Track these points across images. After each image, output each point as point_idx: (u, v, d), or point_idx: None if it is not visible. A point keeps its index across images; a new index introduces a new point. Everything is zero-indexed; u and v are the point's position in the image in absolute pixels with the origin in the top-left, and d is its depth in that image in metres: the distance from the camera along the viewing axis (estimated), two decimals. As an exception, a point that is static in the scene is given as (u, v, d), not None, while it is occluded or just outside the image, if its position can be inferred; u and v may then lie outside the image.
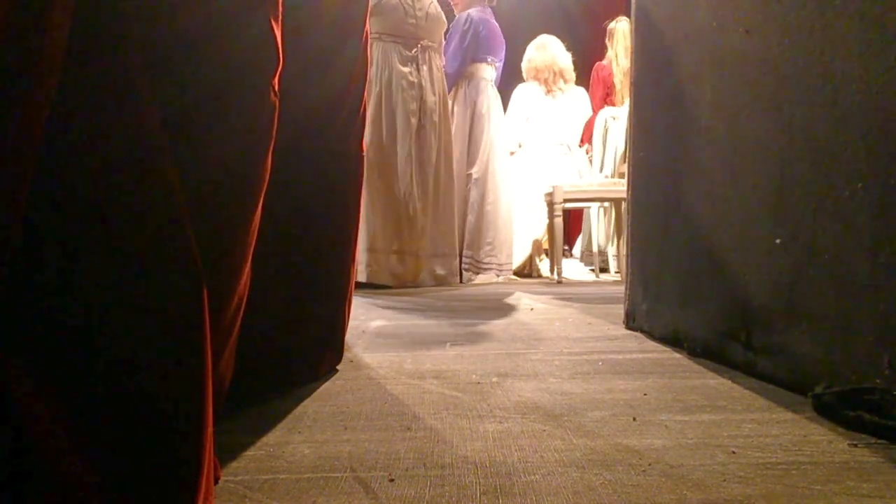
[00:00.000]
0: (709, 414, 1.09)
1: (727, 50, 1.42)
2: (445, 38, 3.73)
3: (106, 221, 0.59)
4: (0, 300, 0.53)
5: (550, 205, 3.66)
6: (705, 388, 1.26)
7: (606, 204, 4.16)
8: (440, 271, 3.47)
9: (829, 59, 1.13)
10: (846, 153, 1.09)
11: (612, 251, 4.17)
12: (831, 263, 1.12)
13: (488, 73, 3.93)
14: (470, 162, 3.83)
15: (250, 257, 0.91)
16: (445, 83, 3.60)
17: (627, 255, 2.03)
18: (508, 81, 4.78)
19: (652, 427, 1.02)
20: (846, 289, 1.09)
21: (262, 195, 0.89)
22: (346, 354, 1.53)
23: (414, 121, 3.37)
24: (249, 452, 0.92)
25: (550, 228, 3.74)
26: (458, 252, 3.68)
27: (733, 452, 0.91)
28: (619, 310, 2.09)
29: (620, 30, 4.57)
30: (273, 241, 1.11)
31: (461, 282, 3.69)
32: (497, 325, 2.06)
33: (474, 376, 1.36)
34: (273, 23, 0.85)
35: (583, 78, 4.73)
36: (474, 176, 3.80)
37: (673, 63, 1.69)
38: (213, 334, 0.72)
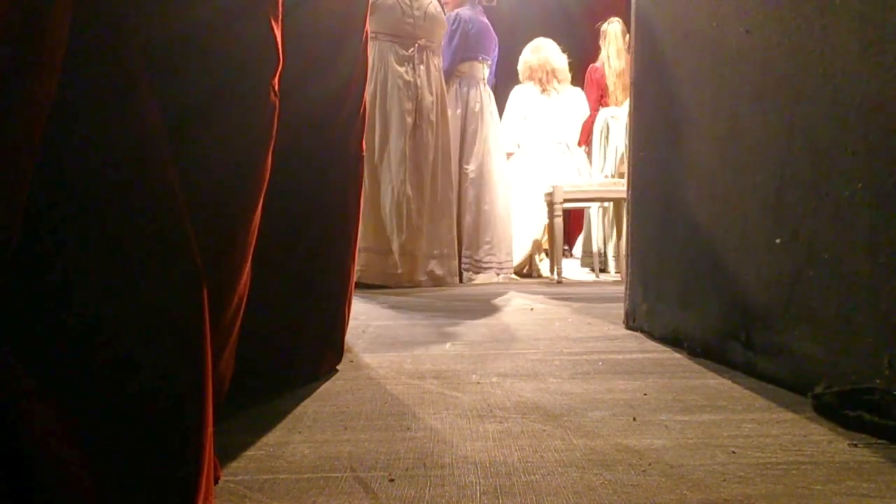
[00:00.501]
0: (709, 414, 1.09)
1: (727, 50, 1.42)
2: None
3: (106, 221, 0.59)
4: (0, 300, 0.53)
5: (550, 205, 3.66)
6: (705, 388, 1.26)
7: (606, 204, 4.16)
8: (438, 271, 3.46)
9: (829, 59, 1.13)
10: (846, 153, 1.09)
11: (611, 251, 4.17)
12: (831, 263, 1.12)
13: (480, 71, 3.93)
14: (465, 160, 3.83)
15: (250, 257, 0.91)
16: (444, 83, 3.61)
17: (627, 255, 2.03)
18: (508, 82, 4.78)
19: (652, 427, 1.02)
20: (846, 289, 1.09)
21: (262, 195, 0.89)
22: (346, 354, 1.53)
23: (409, 120, 3.36)
24: (249, 452, 0.92)
25: (550, 228, 3.74)
26: (457, 252, 3.68)
27: (733, 452, 0.91)
28: (619, 310, 2.09)
29: (612, 31, 4.58)
30: (273, 241, 1.11)
31: (461, 282, 3.68)
32: (497, 325, 2.06)
33: (474, 376, 1.36)
34: (273, 23, 0.85)
35: (581, 79, 4.73)
36: (471, 175, 3.80)
37: (673, 63, 1.69)
38: (213, 334, 0.72)
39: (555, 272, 3.73)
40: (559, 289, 3.34)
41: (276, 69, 0.87)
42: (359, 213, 1.46)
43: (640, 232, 1.91)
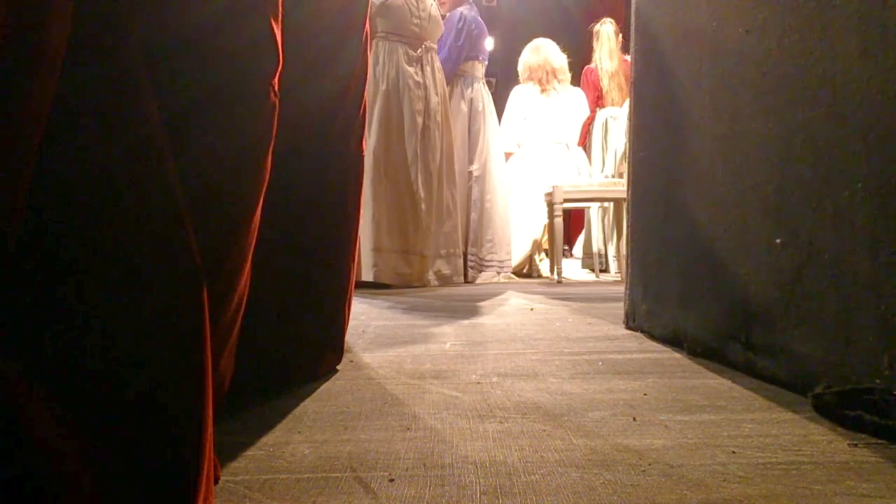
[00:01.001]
0: (709, 414, 1.09)
1: (727, 50, 1.42)
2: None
3: (106, 221, 0.59)
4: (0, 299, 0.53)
5: (550, 205, 3.66)
6: (705, 388, 1.26)
7: (606, 204, 4.16)
8: (445, 270, 3.48)
9: (828, 59, 1.13)
10: (846, 153, 1.09)
11: (612, 251, 4.17)
12: (831, 263, 1.12)
13: (479, 70, 3.96)
14: (470, 159, 3.85)
15: (250, 257, 0.91)
16: (445, 84, 3.62)
17: (627, 255, 2.03)
18: (508, 82, 4.78)
19: (652, 427, 1.02)
20: (846, 289, 1.09)
21: (262, 195, 0.89)
22: (346, 354, 1.53)
23: (420, 120, 3.38)
24: (249, 452, 0.92)
25: (550, 228, 3.75)
26: (462, 251, 3.70)
27: (733, 452, 0.91)
28: (619, 310, 2.09)
29: (605, 32, 4.58)
30: (273, 241, 1.11)
31: (466, 280, 3.69)
32: (497, 325, 2.06)
33: (474, 376, 1.36)
34: (273, 23, 0.85)
35: (580, 79, 4.73)
36: (475, 174, 3.82)
37: (673, 63, 1.69)
38: (213, 334, 0.72)
39: (555, 272, 3.73)
40: (559, 289, 3.34)
41: (276, 69, 0.87)
42: (359, 212, 1.46)
43: (640, 232, 1.91)
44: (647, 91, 1.86)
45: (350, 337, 1.69)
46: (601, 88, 4.52)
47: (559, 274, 3.71)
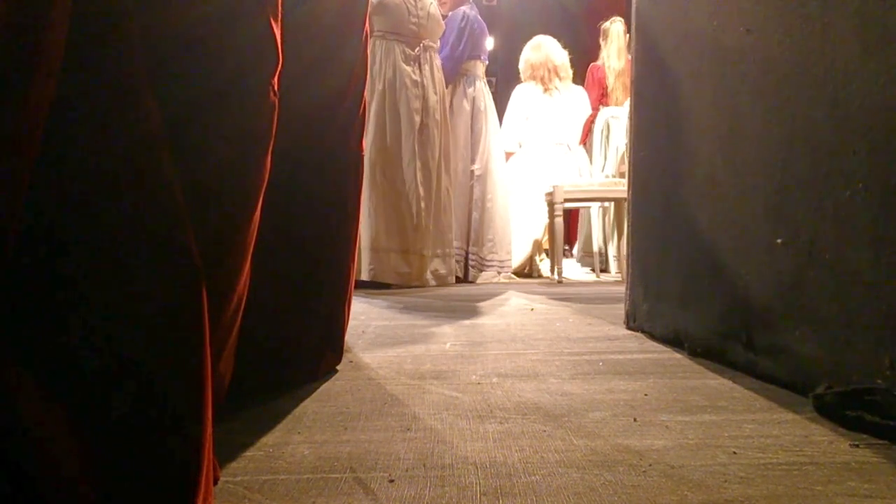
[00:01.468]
0: (709, 414, 1.09)
1: (727, 49, 1.42)
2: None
3: (105, 221, 0.59)
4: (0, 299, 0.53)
5: (551, 205, 3.66)
6: (706, 388, 1.26)
7: (607, 204, 4.16)
8: (442, 270, 3.48)
9: (829, 59, 1.13)
10: (846, 153, 1.09)
11: (612, 251, 4.16)
12: (832, 263, 1.12)
13: (482, 70, 3.96)
14: (472, 158, 3.85)
15: (250, 257, 0.91)
16: (444, 83, 3.62)
17: (628, 255, 2.03)
18: (508, 82, 4.78)
19: (652, 427, 1.02)
20: (847, 289, 1.09)
21: (262, 195, 0.88)
22: (346, 354, 1.53)
23: (417, 119, 3.38)
24: (249, 452, 0.92)
25: (551, 228, 3.74)
26: (464, 250, 3.70)
27: (734, 453, 0.91)
28: (620, 310, 2.09)
29: (614, 31, 4.57)
30: (273, 241, 1.11)
31: (468, 280, 3.70)
32: (497, 325, 2.06)
33: (474, 376, 1.36)
34: (273, 23, 0.85)
35: (582, 77, 4.73)
36: (477, 173, 3.82)
37: (673, 63, 1.69)
38: (213, 334, 0.72)
39: (555, 272, 3.73)
40: (559, 289, 3.34)
41: (276, 69, 0.87)
42: (358, 212, 1.46)
43: (641, 232, 1.91)
44: (647, 91, 1.86)
45: (350, 337, 1.69)
46: (606, 86, 4.51)
47: (559, 274, 3.71)
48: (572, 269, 4.67)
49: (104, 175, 0.60)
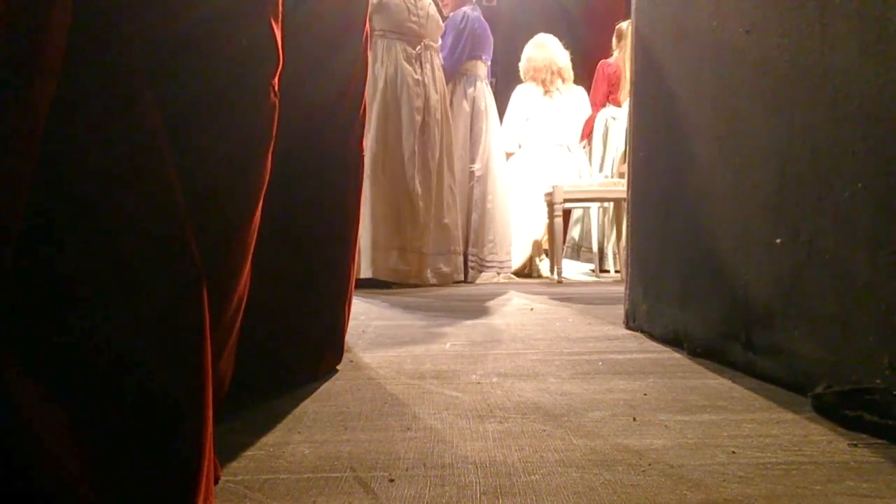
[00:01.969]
0: (709, 414, 1.09)
1: (727, 50, 1.42)
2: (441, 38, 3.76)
3: (106, 221, 0.59)
4: (0, 301, 0.53)
5: (550, 205, 3.66)
6: (705, 388, 1.26)
7: (606, 204, 4.16)
8: (445, 269, 3.48)
9: (828, 60, 1.13)
10: (846, 153, 1.09)
11: (611, 249, 4.16)
12: (831, 263, 1.12)
13: (482, 70, 3.95)
14: (472, 159, 3.85)
15: (250, 257, 0.91)
16: (444, 82, 3.62)
17: (627, 255, 2.03)
18: (509, 82, 4.77)
19: (652, 427, 1.02)
20: (846, 289, 1.09)
21: (262, 195, 0.89)
22: (346, 354, 1.53)
23: (418, 118, 3.38)
24: (249, 452, 0.92)
25: (550, 228, 3.74)
26: (463, 251, 3.70)
27: (733, 452, 0.91)
28: (619, 310, 2.09)
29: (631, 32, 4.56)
30: (273, 241, 1.11)
31: (466, 280, 3.70)
32: (497, 325, 2.06)
33: (474, 376, 1.36)
34: (273, 23, 0.85)
35: (582, 77, 4.72)
36: (477, 173, 3.82)
37: (673, 63, 1.69)
38: (213, 334, 0.72)
39: (555, 272, 3.73)
40: (559, 289, 3.34)
41: (276, 69, 0.87)
42: (358, 212, 1.46)
43: (640, 232, 1.91)
44: (647, 91, 1.86)
45: (350, 337, 1.69)
46: (615, 84, 4.49)
47: (559, 274, 3.71)
48: (572, 268, 4.67)
49: (104, 175, 0.60)
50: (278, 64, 0.87)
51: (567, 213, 5.05)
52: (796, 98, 1.21)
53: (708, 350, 1.50)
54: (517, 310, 2.46)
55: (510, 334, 1.89)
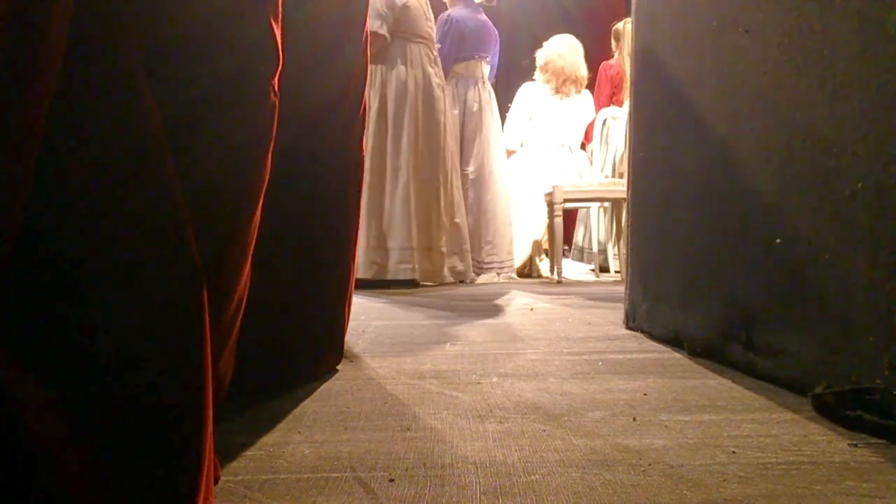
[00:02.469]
0: (709, 414, 1.09)
1: (727, 50, 1.42)
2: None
3: (105, 221, 0.59)
4: (1, 300, 0.53)
5: (550, 205, 3.66)
6: (705, 388, 1.26)
7: (606, 204, 4.16)
8: (460, 267, 3.54)
9: (828, 60, 1.13)
10: (846, 153, 1.09)
11: (612, 250, 4.16)
12: (831, 263, 1.12)
13: (478, 70, 3.90)
14: (465, 161, 3.84)
15: (250, 257, 0.91)
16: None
17: (627, 256, 2.03)
18: (509, 81, 4.76)
19: (652, 427, 1.02)
20: (846, 289, 1.09)
21: (262, 195, 0.89)
22: (346, 354, 1.53)
23: (441, 119, 3.46)
24: (249, 452, 0.92)
25: (550, 228, 3.74)
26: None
27: (733, 452, 0.91)
28: (619, 310, 2.09)
29: (629, 31, 4.55)
30: (273, 242, 1.11)
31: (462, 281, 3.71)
32: (497, 325, 2.06)
33: (474, 376, 1.36)
34: (273, 23, 0.85)
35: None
36: (470, 176, 3.81)
37: (673, 63, 1.69)
38: (213, 334, 0.72)
39: (555, 272, 3.73)
40: (559, 289, 3.34)
41: (276, 69, 0.87)
42: (358, 213, 1.46)
43: (640, 232, 1.91)
44: (647, 91, 1.86)
45: (350, 337, 1.69)
46: (618, 85, 4.49)
47: (559, 274, 3.71)
48: (572, 268, 4.67)
49: (104, 175, 0.60)
50: (278, 64, 0.87)
51: (572, 216, 5.06)
52: (796, 98, 1.21)
53: (708, 350, 1.50)
54: (517, 310, 2.46)
55: (510, 334, 1.89)
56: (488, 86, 3.97)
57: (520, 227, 4.09)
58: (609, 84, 4.54)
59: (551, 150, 4.31)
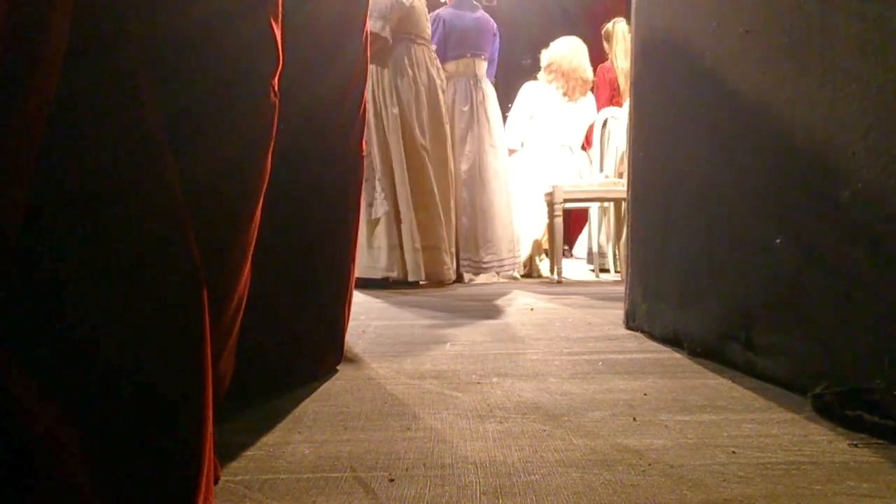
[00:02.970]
0: (709, 414, 1.09)
1: (727, 50, 1.42)
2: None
3: (106, 221, 0.59)
4: (1, 300, 0.53)
5: (550, 205, 3.66)
6: (705, 388, 1.26)
7: (606, 204, 4.16)
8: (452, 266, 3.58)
9: (828, 60, 1.13)
10: (846, 153, 1.09)
11: (611, 249, 4.16)
12: (831, 263, 1.12)
13: (472, 68, 3.84)
14: (456, 160, 3.82)
15: (250, 257, 0.91)
16: None
17: (627, 255, 2.03)
18: (508, 81, 4.75)
19: (652, 427, 1.02)
20: (846, 289, 1.09)
21: (262, 195, 0.89)
22: (346, 354, 1.53)
23: (445, 121, 3.50)
24: (249, 452, 0.92)
25: (550, 228, 3.74)
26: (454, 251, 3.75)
27: (733, 452, 0.91)
28: (619, 310, 2.09)
29: (619, 30, 4.55)
30: (273, 241, 1.11)
31: (456, 281, 3.70)
32: (497, 325, 2.06)
33: (474, 376, 1.36)
34: (273, 23, 0.85)
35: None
36: (463, 175, 3.78)
37: (673, 63, 1.69)
38: (213, 334, 0.72)
39: (555, 272, 3.73)
40: (559, 289, 3.34)
41: (276, 69, 0.87)
42: (358, 212, 1.46)
43: (640, 232, 1.91)
44: (647, 91, 1.86)
45: (350, 337, 1.69)
46: (618, 87, 4.49)
47: (559, 274, 3.71)
48: (572, 268, 4.67)
49: (104, 175, 0.60)
50: (278, 64, 0.87)
51: (572, 216, 5.06)
52: (797, 98, 1.21)
53: (708, 350, 1.50)
54: (517, 310, 2.46)
55: (510, 334, 1.89)
56: (485, 84, 3.88)
57: (520, 226, 4.08)
58: (608, 87, 4.55)
59: (552, 150, 4.31)
